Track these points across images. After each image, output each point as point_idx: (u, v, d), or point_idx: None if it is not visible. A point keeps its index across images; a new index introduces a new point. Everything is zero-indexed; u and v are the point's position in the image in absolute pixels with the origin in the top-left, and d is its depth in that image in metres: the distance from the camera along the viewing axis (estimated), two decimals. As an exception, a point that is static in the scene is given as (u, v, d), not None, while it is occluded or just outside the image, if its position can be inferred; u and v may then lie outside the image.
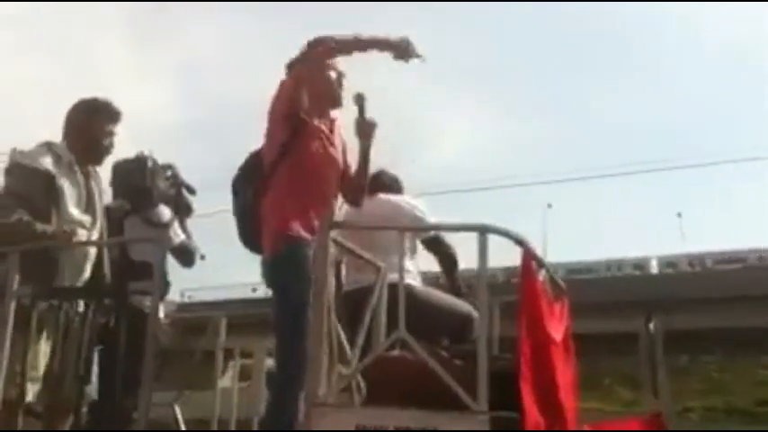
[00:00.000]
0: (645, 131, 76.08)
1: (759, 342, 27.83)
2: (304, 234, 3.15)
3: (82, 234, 3.62)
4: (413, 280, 4.13)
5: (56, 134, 3.80)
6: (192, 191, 4.46)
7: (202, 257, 4.70)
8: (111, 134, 3.84)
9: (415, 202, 4.30)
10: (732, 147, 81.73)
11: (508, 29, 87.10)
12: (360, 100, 3.36)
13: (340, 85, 3.41)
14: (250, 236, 3.36)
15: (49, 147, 3.68)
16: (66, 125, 3.80)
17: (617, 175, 74.55)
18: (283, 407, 3.08)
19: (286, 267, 3.17)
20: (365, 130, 3.36)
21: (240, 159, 3.50)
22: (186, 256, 4.45)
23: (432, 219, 4.22)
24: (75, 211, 3.62)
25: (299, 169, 3.23)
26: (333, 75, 3.38)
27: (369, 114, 3.36)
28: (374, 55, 3.27)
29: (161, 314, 3.96)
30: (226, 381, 6.51)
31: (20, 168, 3.59)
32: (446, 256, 4.30)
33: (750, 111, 76.93)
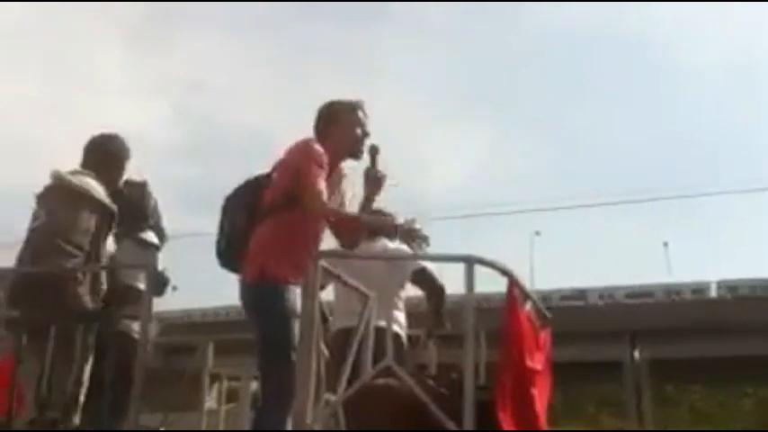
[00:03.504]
0: (635, 161, 76.60)
1: (743, 372, 27.91)
2: (288, 277, 3.23)
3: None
4: (402, 331, 4.25)
5: (52, 150, 3.86)
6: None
7: (174, 288, 4.72)
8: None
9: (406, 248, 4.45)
10: (719, 178, 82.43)
11: (500, 56, 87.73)
12: (373, 151, 3.46)
13: (363, 140, 3.49)
14: (229, 256, 3.45)
15: (92, 176, 3.78)
16: (98, 159, 3.88)
17: (606, 204, 74.98)
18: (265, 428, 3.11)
19: (262, 302, 3.26)
20: (374, 181, 3.45)
21: (231, 181, 3.58)
22: (160, 284, 4.45)
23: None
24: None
25: (298, 224, 3.30)
26: (359, 131, 3.47)
27: (380, 166, 3.45)
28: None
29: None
30: (212, 402, 6.52)
31: (75, 194, 3.65)
32: (433, 290, 4.41)
33: (739, 141, 77.70)
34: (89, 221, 3.62)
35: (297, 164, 3.32)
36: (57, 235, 3.53)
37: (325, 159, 3.33)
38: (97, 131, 3.99)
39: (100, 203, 3.68)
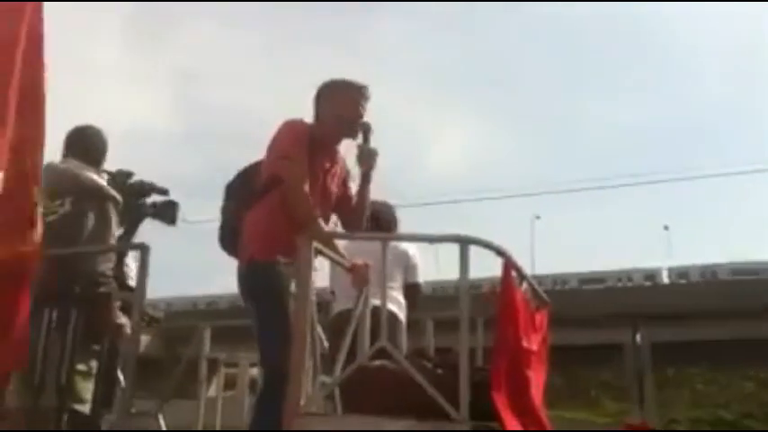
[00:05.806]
0: (635, 144, 76.55)
1: (745, 354, 27.95)
2: (279, 258, 3.23)
3: None
4: (399, 311, 4.24)
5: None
6: (164, 191, 4.19)
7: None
8: None
9: (408, 246, 4.52)
10: (720, 160, 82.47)
11: (501, 40, 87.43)
12: (365, 128, 3.44)
13: (357, 120, 3.46)
14: (226, 242, 3.55)
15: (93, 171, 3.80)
16: (82, 151, 3.86)
17: (605, 188, 75.12)
18: (263, 415, 3.09)
19: (255, 284, 3.30)
20: (367, 158, 3.44)
21: (229, 167, 3.65)
22: (168, 215, 4.25)
23: (420, 263, 4.48)
24: None
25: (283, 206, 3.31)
26: (353, 111, 3.44)
27: (372, 143, 3.45)
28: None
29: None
30: (210, 390, 6.49)
31: (103, 196, 3.71)
32: (411, 307, 4.45)
33: (739, 124, 77.52)
34: (117, 223, 3.74)
35: (276, 146, 3.35)
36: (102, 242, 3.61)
37: (305, 137, 3.34)
38: (77, 123, 3.98)
39: (118, 201, 3.74)
